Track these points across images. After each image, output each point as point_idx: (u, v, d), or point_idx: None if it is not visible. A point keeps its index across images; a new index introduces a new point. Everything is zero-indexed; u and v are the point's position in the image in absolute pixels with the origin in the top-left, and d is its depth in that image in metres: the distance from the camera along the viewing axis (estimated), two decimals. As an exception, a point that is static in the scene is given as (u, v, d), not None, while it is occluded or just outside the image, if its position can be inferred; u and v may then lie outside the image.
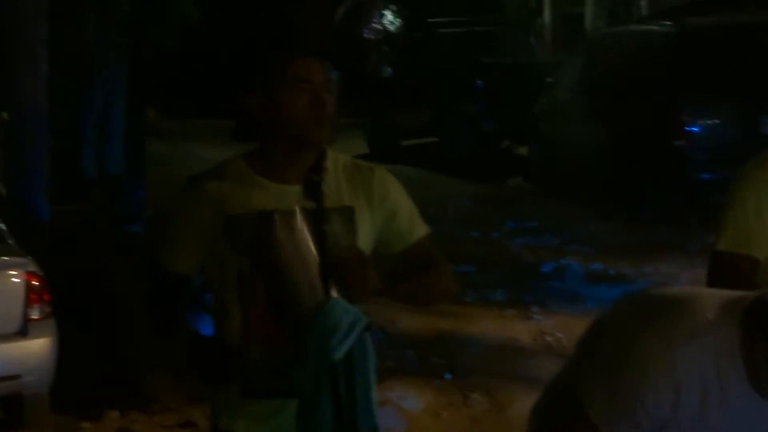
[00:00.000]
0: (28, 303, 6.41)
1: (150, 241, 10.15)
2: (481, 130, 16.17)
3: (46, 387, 6.53)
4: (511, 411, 6.40)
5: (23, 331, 6.39)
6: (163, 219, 2.89)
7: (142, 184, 12.11)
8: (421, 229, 2.86)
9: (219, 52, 21.01)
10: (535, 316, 8.37)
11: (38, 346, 6.43)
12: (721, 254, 2.90)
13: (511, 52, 17.76)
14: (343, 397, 2.56)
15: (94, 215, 11.05)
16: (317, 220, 2.62)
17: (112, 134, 14.15)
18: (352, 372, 2.57)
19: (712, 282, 2.84)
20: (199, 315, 2.96)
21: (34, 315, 6.43)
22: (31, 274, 6.46)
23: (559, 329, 7.93)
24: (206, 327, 2.81)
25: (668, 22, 12.19)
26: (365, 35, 30.42)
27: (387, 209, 2.81)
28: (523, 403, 6.13)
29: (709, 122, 10.97)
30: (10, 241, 6.80)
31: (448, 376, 7.14)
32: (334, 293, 2.59)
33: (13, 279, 6.45)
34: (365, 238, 2.74)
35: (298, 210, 2.60)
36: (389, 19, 32.71)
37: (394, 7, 32.13)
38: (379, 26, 32.40)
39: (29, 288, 6.42)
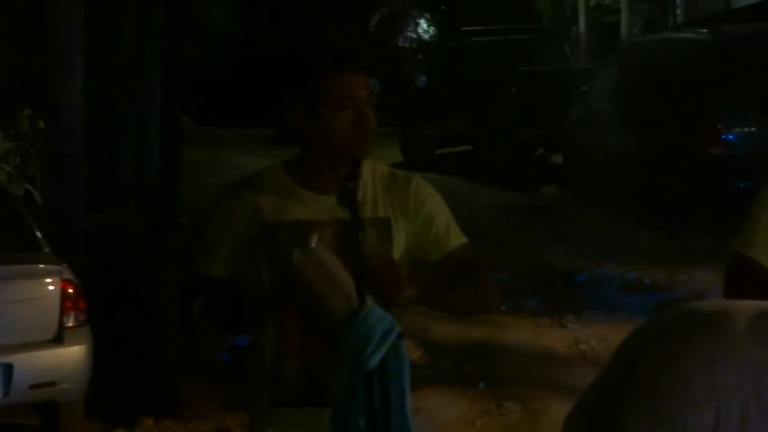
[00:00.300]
0: (63, 310, 6.44)
1: (188, 245, 10.20)
2: (515, 139, 16.13)
3: (81, 394, 6.55)
4: (545, 420, 6.38)
5: (59, 339, 6.42)
6: (202, 223, 2.91)
7: (177, 191, 12.16)
8: (459, 238, 2.86)
9: (255, 62, 21.10)
10: (569, 324, 8.34)
11: (73, 354, 6.45)
12: (748, 260, 2.86)
13: (545, 60, 17.72)
14: (377, 404, 2.55)
15: (129, 223, 11.10)
16: (353, 229, 2.61)
17: (148, 142, 14.23)
18: (387, 380, 2.56)
19: (734, 286, 2.81)
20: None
21: (70, 322, 6.46)
22: (66, 282, 6.49)
23: (593, 338, 7.89)
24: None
25: (704, 30, 12.13)
26: (399, 44, 30.47)
27: (423, 217, 2.81)
28: (557, 412, 6.11)
29: (746, 130, 10.90)
30: (45, 249, 6.83)
31: (482, 384, 7.12)
32: (369, 301, 2.58)
33: (49, 287, 6.47)
34: (401, 249, 2.74)
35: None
36: (423, 27, 32.76)
37: (428, 16, 32.18)
38: (413, 35, 32.45)
39: (65, 296, 6.45)
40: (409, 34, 32.13)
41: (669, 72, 11.90)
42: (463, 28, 21.97)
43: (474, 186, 15.67)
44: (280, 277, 2.63)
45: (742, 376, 2.14)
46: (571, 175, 14.22)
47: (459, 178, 16.53)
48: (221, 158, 19.04)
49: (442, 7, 31.16)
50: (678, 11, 22.76)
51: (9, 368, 6.21)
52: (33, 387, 6.30)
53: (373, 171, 2.82)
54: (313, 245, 2.58)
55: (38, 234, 6.93)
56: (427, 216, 2.81)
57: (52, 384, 6.37)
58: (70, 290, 6.47)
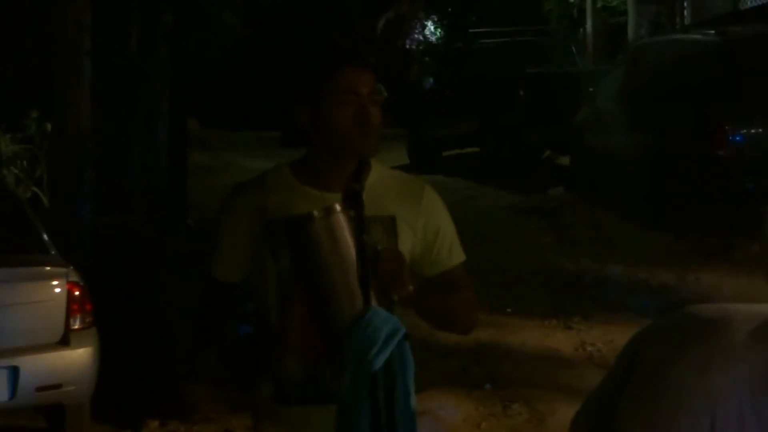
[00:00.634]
0: (69, 313, 6.44)
1: (194, 247, 10.21)
2: (523, 140, 16.13)
3: (88, 396, 6.56)
4: (551, 422, 6.37)
5: (65, 341, 6.43)
6: (211, 226, 2.91)
7: (184, 194, 12.17)
8: (459, 256, 2.87)
9: (262, 64, 21.14)
10: (576, 326, 8.33)
11: (80, 356, 6.46)
12: None
13: (552, 62, 17.72)
14: (382, 406, 2.54)
15: (136, 225, 11.11)
16: (357, 228, 2.60)
17: (155, 145, 14.24)
18: (392, 381, 2.55)
19: None
20: (241, 324, 2.96)
21: (76, 325, 6.46)
22: (73, 284, 6.49)
23: (600, 340, 7.89)
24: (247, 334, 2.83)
25: (711, 31, 12.11)
26: (407, 46, 30.48)
27: (431, 229, 2.81)
28: (564, 414, 6.10)
29: (753, 131, 10.88)
30: (52, 252, 6.84)
31: (488, 386, 7.12)
32: (374, 302, 2.58)
33: (56, 289, 6.48)
34: (405, 247, 2.73)
35: (337, 207, 2.57)
36: (430, 30, 32.77)
37: (435, 18, 32.18)
38: (420, 37, 32.46)
39: (71, 298, 6.46)
40: (416, 36, 32.15)
41: (676, 73, 11.88)
42: (471, 31, 21.97)
43: (481, 188, 15.68)
44: (293, 259, 2.59)
45: (739, 383, 2.14)
46: (578, 176, 14.22)
47: (466, 180, 16.53)
48: (228, 161, 19.09)
49: (450, 10, 31.15)
50: (685, 13, 22.74)
51: (15, 371, 6.22)
52: (39, 389, 6.31)
53: (382, 173, 2.82)
54: (337, 209, 2.56)
55: (45, 236, 6.94)
56: (434, 229, 2.82)
57: (58, 386, 6.37)
58: (77, 292, 6.48)
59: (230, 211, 2.80)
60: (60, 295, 6.45)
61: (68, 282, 6.48)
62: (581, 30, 24.71)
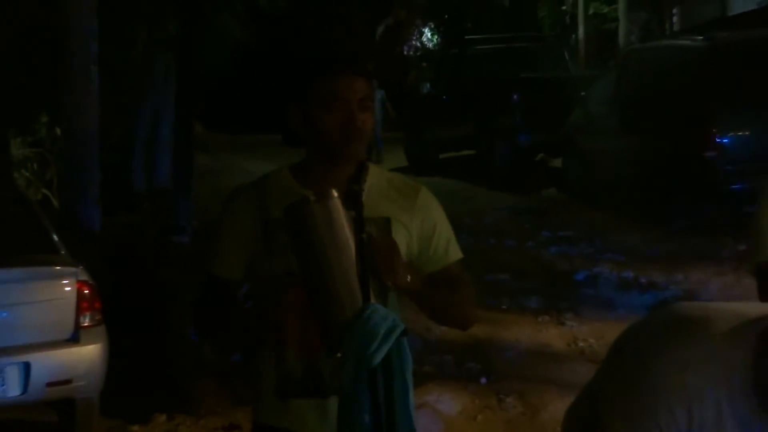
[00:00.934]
0: (79, 311, 6.46)
1: (198, 247, 10.22)
2: (517, 143, 16.12)
3: (97, 391, 6.57)
4: (545, 415, 6.38)
5: (75, 338, 6.44)
6: (212, 227, 2.92)
7: (189, 196, 12.18)
8: (456, 254, 2.87)
9: (263, 69, 21.13)
10: (568, 322, 8.34)
11: (89, 352, 6.48)
12: None
13: (545, 67, 17.72)
14: (382, 399, 2.54)
15: (142, 226, 11.12)
16: (357, 228, 2.61)
17: (160, 149, 14.27)
18: (391, 376, 2.56)
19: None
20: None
21: (86, 322, 6.48)
22: (82, 283, 6.51)
23: (591, 335, 7.90)
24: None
25: (699, 37, 12.11)
26: (405, 52, 30.49)
27: (427, 228, 2.81)
28: (557, 408, 6.12)
29: (740, 134, 10.88)
30: (62, 251, 6.85)
31: (483, 380, 7.13)
32: (373, 299, 2.58)
33: (66, 288, 6.50)
34: (400, 247, 2.74)
35: (334, 193, 2.56)
36: (427, 36, 32.78)
37: (432, 25, 32.20)
38: (417, 43, 32.47)
39: (81, 296, 6.47)
40: (414, 42, 32.16)
41: (665, 78, 11.89)
42: (466, 37, 21.98)
43: (477, 189, 15.69)
44: (293, 251, 2.58)
45: (716, 379, 2.16)
46: (571, 178, 14.22)
47: (462, 182, 16.55)
48: (231, 163, 19.09)
49: (446, 17, 31.17)
50: (674, 19, 22.77)
51: (27, 367, 6.24)
52: (50, 385, 6.33)
53: (380, 176, 2.82)
54: (334, 195, 2.56)
55: (55, 237, 6.96)
56: (432, 228, 2.82)
57: (68, 382, 6.39)
58: (86, 291, 6.50)
59: (231, 211, 2.81)
60: (70, 293, 6.47)
61: (78, 281, 6.50)
62: (573, 36, 24.74)
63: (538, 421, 6.34)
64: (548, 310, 8.67)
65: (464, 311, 2.90)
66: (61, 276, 6.56)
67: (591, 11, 24.30)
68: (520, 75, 16.82)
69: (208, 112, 21.23)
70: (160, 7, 13.84)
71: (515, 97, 16.06)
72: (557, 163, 15.51)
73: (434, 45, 32.17)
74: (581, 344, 7.76)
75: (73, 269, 6.59)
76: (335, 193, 2.56)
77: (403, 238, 2.76)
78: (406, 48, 30.78)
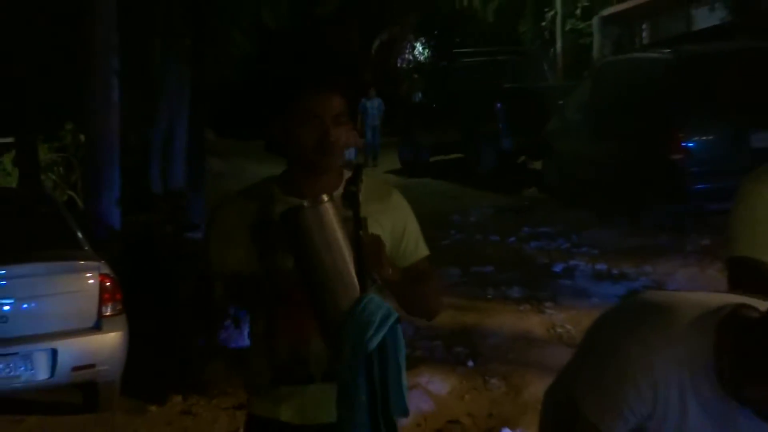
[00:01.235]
0: (102, 301, 6.47)
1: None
2: (501, 148, 16.14)
3: (118, 375, 6.58)
4: (526, 394, 6.39)
5: (98, 326, 6.45)
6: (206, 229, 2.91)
7: (201, 196, 12.16)
8: (423, 250, 2.86)
9: (262, 81, 21.11)
10: (547, 310, 8.34)
11: (111, 339, 6.48)
12: (742, 260, 2.77)
13: (526, 78, 17.73)
14: (377, 382, 2.54)
15: (159, 224, 11.09)
16: (355, 225, 2.60)
17: (176, 153, 14.23)
18: (385, 360, 2.55)
19: (736, 286, 2.72)
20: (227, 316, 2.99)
21: (107, 312, 6.48)
22: (104, 276, 6.51)
23: (568, 322, 7.90)
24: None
25: (667, 50, 12.12)
26: (398, 65, 30.49)
27: (398, 226, 2.80)
28: (537, 388, 6.12)
29: (704, 138, 10.88)
30: (86, 247, 6.86)
31: (470, 363, 7.13)
32: (369, 290, 2.58)
33: (89, 280, 6.50)
34: None
35: (325, 197, 2.54)
36: (419, 50, 32.78)
37: (423, 40, 32.19)
38: (410, 57, 32.47)
39: (103, 288, 6.48)
40: (406, 56, 32.16)
41: (635, 87, 11.89)
42: (455, 51, 21.99)
43: (464, 189, 15.69)
44: (289, 250, 2.56)
45: (680, 362, 2.17)
46: (550, 179, 14.23)
47: (451, 183, 16.55)
48: (241, 167, 19.04)
49: (436, 32, 31.18)
50: (644, 34, 22.79)
51: (54, 353, 6.25)
52: (75, 369, 6.34)
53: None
54: (325, 200, 2.54)
55: (79, 234, 6.96)
56: (403, 227, 2.80)
57: (92, 366, 6.40)
58: (108, 283, 6.50)
59: (218, 217, 2.79)
60: (93, 285, 6.48)
61: (100, 274, 6.51)
62: (552, 50, 24.74)
63: (521, 400, 6.34)
64: (529, 299, 8.67)
65: (431, 302, 2.89)
66: (85, 270, 6.56)
67: (568, 27, 24.30)
68: (503, 85, 16.84)
69: (219, 119, 21.17)
70: (175, 23, 13.83)
71: (499, 105, 16.08)
72: (537, 165, 15.52)
73: (425, 58, 32.17)
74: (559, 330, 7.76)
75: (96, 263, 6.59)
76: (326, 198, 2.55)
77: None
78: (399, 61, 30.76)
